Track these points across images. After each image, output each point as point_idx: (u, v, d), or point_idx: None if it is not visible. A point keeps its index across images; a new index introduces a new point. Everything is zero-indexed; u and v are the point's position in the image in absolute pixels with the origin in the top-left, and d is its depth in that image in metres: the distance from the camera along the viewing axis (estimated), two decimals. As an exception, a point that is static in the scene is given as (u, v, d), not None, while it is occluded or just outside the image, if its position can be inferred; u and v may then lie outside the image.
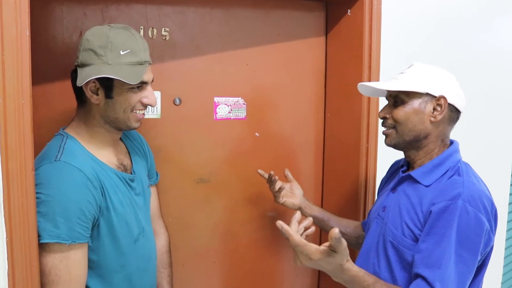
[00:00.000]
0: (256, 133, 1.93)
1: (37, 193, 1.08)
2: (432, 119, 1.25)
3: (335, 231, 1.02)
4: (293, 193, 1.68)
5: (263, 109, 1.93)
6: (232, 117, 1.87)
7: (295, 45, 1.95)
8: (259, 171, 1.70)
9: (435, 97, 1.24)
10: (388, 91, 1.32)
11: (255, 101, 1.91)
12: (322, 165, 2.08)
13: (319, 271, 2.13)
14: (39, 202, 1.09)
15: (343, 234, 1.57)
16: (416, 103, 1.25)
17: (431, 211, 1.17)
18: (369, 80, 1.75)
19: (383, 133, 1.34)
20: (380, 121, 1.35)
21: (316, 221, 1.64)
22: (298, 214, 1.21)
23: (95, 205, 1.16)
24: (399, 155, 1.40)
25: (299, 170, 2.05)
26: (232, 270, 1.98)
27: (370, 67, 1.76)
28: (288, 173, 1.73)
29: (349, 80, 1.83)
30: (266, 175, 1.67)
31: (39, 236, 1.08)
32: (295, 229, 1.18)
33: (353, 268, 1.11)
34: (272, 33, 1.91)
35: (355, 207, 1.86)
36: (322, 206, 2.09)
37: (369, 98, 1.77)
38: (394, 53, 1.83)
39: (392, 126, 1.30)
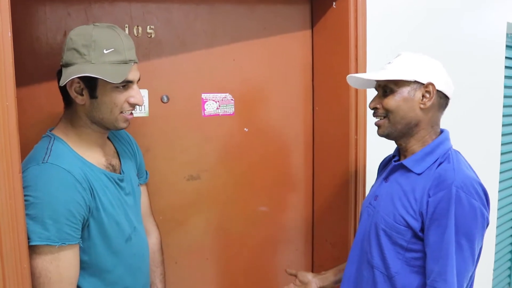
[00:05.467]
0: (245, 129, 1.93)
1: (25, 195, 1.08)
2: (422, 106, 1.27)
3: None
4: (304, 283, 1.64)
5: (251, 104, 1.93)
6: (220, 113, 1.87)
7: (281, 39, 1.94)
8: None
9: (423, 84, 1.26)
10: (377, 82, 1.33)
11: (243, 96, 1.91)
12: (312, 157, 2.09)
13: (313, 268, 2.15)
14: (27, 205, 1.08)
15: None
16: (405, 91, 1.27)
17: (428, 202, 1.19)
18: (356, 72, 1.76)
19: (376, 124, 1.35)
20: (371, 112, 1.36)
21: (337, 282, 1.62)
22: None
23: (84, 206, 1.16)
24: (388, 146, 1.41)
25: (289, 163, 2.05)
26: (225, 266, 1.99)
27: (356, 59, 1.77)
28: (289, 271, 1.71)
29: (336, 73, 1.83)
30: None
31: (28, 238, 1.08)
32: None
33: None
34: (258, 28, 1.90)
35: (346, 199, 1.86)
36: (313, 199, 2.10)
37: (356, 90, 1.77)
38: (380, 44, 1.84)
39: (384, 115, 1.31)
